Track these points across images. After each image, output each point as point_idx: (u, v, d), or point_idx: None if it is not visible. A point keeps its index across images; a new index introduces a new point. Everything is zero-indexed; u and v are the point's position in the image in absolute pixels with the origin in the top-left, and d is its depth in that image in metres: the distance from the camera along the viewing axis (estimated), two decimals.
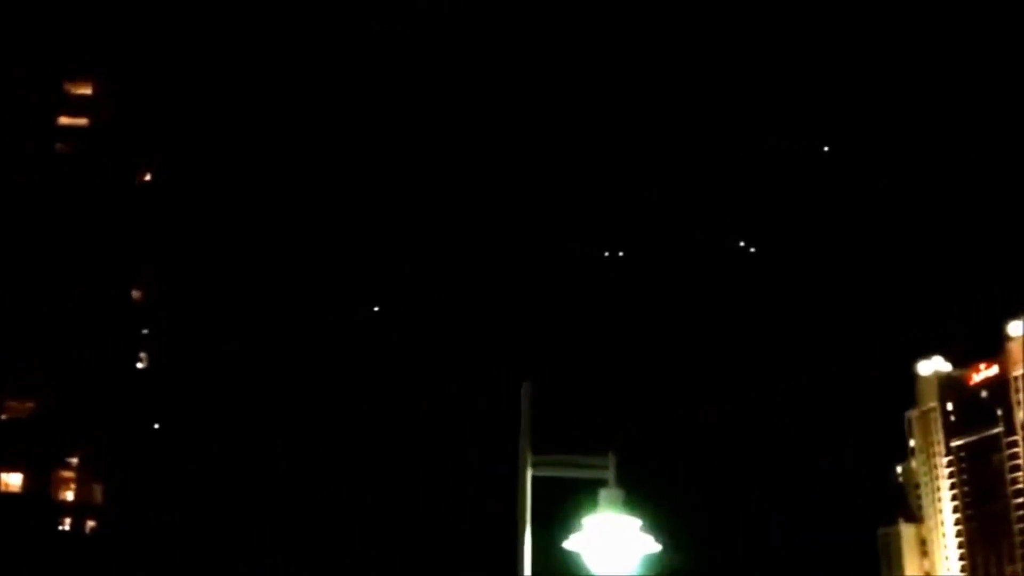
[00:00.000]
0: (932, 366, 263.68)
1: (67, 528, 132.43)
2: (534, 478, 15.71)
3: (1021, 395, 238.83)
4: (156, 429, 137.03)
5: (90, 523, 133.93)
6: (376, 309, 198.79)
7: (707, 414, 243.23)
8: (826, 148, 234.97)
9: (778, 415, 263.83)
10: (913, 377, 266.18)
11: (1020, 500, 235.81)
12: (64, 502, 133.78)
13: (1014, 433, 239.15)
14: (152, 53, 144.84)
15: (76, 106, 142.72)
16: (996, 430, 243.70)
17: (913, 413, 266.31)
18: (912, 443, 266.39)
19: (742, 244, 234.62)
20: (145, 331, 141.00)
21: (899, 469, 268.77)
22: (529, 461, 15.45)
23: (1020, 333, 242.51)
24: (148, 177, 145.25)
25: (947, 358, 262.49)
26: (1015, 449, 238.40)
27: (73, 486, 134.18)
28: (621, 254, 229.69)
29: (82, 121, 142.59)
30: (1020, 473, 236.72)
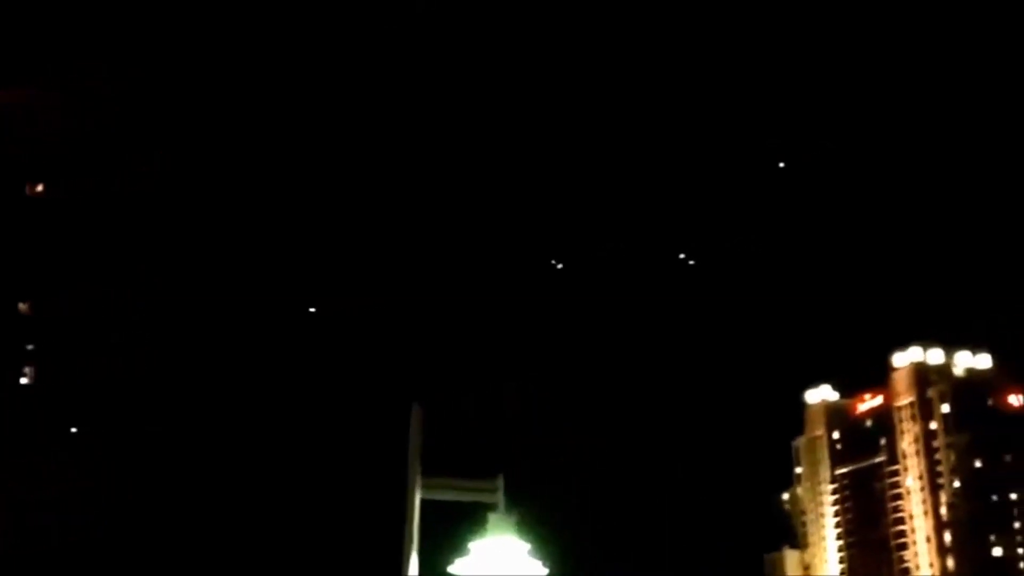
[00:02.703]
0: (820, 394, 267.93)
1: None
2: (424, 501, 15.60)
3: (904, 425, 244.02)
4: (51, 445, 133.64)
5: None
6: (312, 310, 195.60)
7: (600, 438, 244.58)
8: (781, 164, 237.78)
9: (669, 441, 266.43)
10: (801, 405, 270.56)
11: (900, 528, 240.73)
12: None
13: (896, 462, 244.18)
14: (42, 57, 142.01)
15: None
16: (879, 459, 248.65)
17: (800, 441, 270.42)
18: (799, 470, 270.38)
19: (682, 256, 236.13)
20: (30, 346, 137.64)
21: (785, 496, 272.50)
22: (418, 483, 15.36)
23: (904, 364, 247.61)
24: (40, 188, 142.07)
25: (835, 387, 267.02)
26: (896, 478, 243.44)
27: None
28: (560, 266, 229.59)
29: None
30: (901, 501, 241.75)
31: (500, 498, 15.33)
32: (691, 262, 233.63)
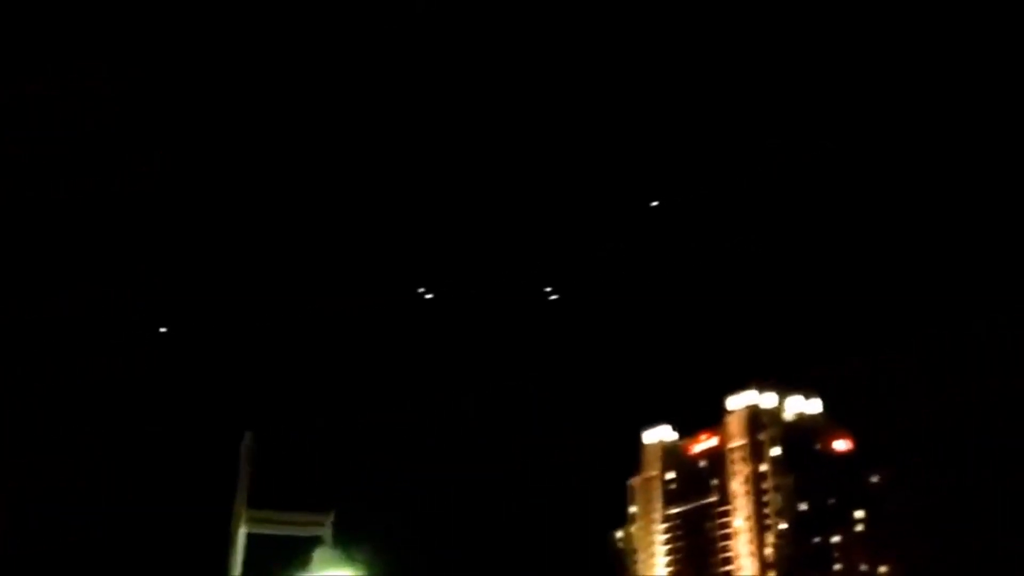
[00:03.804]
0: (658, 434, 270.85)
1: None
2: (251, 535, 15.36)
3: (736, 466, 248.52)
4: None
5: None
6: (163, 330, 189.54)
7: (437, 472, 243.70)
8: (654, 203, 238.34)
9: (506, 477, 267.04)
10: (639, 444, 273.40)
11: (728, 568, 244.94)
12: None
13: (727, 503, 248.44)
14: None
15: None
16: (711, 499, 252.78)
17: (636, 480, 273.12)
18: (633, 509, 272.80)
19: (548, 290, 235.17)
20: None
21: (619, 534, 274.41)
22: (243, 516, 15.10)
23: (738, 407, 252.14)
24: None
25: (675, 427, 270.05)
26: (727, 519, 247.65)
27: None
28: (430, 296, 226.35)
29: None
30: (730, 542, 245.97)
31: (328, 532, 15.17)
32: (554, 296, 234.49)
